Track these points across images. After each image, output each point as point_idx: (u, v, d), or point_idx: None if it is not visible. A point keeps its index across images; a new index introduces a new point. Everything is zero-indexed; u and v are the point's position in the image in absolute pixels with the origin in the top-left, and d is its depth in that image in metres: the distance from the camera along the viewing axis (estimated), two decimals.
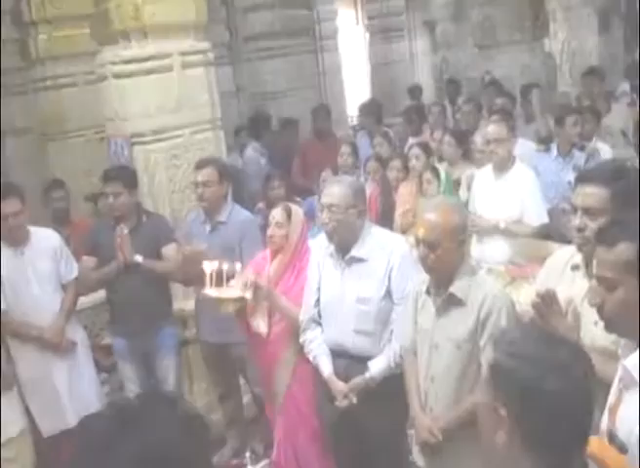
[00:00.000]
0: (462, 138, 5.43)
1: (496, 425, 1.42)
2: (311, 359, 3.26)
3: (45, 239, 3.94)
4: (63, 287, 3.98)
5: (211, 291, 3.24)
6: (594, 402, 1.45)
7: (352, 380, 3.10)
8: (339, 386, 3.12)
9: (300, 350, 3.36)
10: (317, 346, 3.24)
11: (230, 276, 3.29)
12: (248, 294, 3.26)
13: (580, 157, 5.18)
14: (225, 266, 3.24)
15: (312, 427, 3.47)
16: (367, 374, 3.09)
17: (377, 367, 3.08)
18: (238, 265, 3.43)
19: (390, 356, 3.06)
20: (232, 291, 3.26)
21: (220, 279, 3.22)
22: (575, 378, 1.37)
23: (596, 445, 1.59)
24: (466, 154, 5.33)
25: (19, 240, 3.80)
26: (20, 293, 3.80)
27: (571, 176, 4.82)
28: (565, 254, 2.59)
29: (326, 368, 3.19)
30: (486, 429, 1.47)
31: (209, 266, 3.22)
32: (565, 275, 2.50)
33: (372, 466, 3.20)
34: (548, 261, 2.69)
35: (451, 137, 5.38)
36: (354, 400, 3.08)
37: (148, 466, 1.03)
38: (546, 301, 2.27)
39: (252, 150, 6.82)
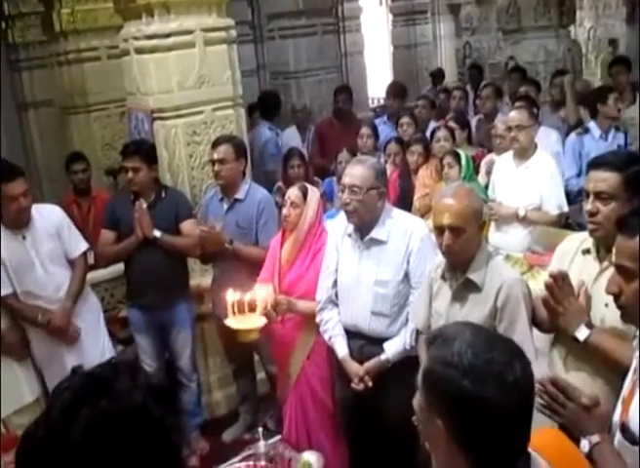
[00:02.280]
0: (464, 122, 5.55)
1: (434, 436, 1.36)
2: (327, 339, 3.28)
3: (46, 218, 3.85)
4: (70, 263, 3.93)
5: (231, 321, 3.17)
6: (532, 403, 1.39)
7: (367, 362, 3.12)
8: (354, 367, 3.14)
9: (317, 332, 3.38)
10: (333, 327, 3.25)
11: (252, 305, 3.18)
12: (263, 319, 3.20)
13: (619, 137, 5.14)
14: (247, 297, 3.14)
15: (325, 407, 3.50)
16: (382, 356, 3.10)
17: (392, 348, 3.09)
18: (268, 288, 3.42)
19: (406, 338, 3.07)
20: (252, 320, 3.15)
21: (241, 306, 3.14)
22: (508, 384, 1.30)
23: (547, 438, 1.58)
24: (470, 138, 5.51)
25: (22, 223, 3.74)
26: (25, 276, 3.76)
27: None
28: (576, 240, 2.63)
29: (341, 349, 3.21)
30: (425, 436, 1.41)
31: (231, 296, 3.14)
32: (576, 259, 2.54)
33: (384, 447, 3.21)
34: (560, 247, 2.71)
35: (454, 122, 5.44)
36: (370, 383, 3.09)
37: (111, 436, 1.04)
38: (559, 282, 2.31)
39: (267, 130, 6.74)
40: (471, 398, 1.29)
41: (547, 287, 2.35)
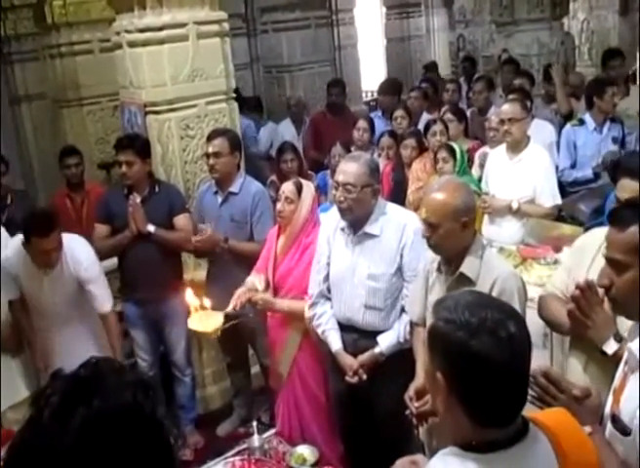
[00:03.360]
0: (462, 115, 5.53)
1: (436, 390, 1.46)
2: (320, 333, 3.27)
3: (75, 270, 3.67)
4: (101, 317, 3.79)
5: (192, 323, 3.13)
6: (526, 363, 1.47)
7: (361, 355, 3.12)
8: (348, 360, 3.15)
9: (306, 328, 3.39)
10: (326, 321, 3.25)
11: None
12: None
13: (615, 129, 5.15)
14: (207, 303, 3.10)
15: (317, 400, 3.51)
16: (376, 349, 3.11)
17: (386, 341, 3.10)
18: (260, 279, 3.45)
19: (400, 331, 3.08)
20: (212, 320, 3.12)
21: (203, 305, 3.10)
22: (501, 339, 1.39)
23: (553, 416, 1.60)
24: (466, 131, 5.48)
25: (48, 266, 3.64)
26: (32, 296, 3.73)
27: (610, 148, 4.97)
28: (598, 238, 2.50)
29: (335, 342, 3.21)
30: (431, 394, 1.53)
31: (192, 299, 3.09)
32: (598, 258, 2.41)
33: (377, 440, 3.21)
34: (580, 242, 2.65)
35: (451, 114, 5.43)
36: (364, 376, 3.10)
37: (106, 435, 1.03)
38: (586, 293, 2.20)
39: (244, 118, 6.69)
40: (465, 349, 1.39)
41: (574, 298, 2.24)
